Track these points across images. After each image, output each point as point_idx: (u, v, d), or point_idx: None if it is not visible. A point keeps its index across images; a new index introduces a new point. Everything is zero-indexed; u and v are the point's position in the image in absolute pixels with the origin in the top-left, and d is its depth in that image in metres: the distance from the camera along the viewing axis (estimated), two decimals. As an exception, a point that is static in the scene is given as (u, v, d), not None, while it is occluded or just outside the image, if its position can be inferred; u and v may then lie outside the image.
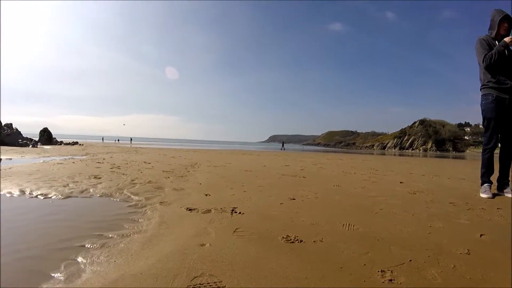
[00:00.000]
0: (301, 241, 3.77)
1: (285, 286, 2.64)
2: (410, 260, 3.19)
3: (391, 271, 2.88)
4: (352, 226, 4.44)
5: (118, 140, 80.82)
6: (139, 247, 3.58)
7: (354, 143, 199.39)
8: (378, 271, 2.87)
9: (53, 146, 36.22)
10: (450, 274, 2.94)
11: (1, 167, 10.65)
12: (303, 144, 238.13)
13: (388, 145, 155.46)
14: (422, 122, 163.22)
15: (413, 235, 4.12)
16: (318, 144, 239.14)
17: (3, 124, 39.28)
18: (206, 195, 6.77)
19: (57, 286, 2.64)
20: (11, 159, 16.35)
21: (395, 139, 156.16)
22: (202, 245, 3.59)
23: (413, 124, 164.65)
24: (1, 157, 16.40)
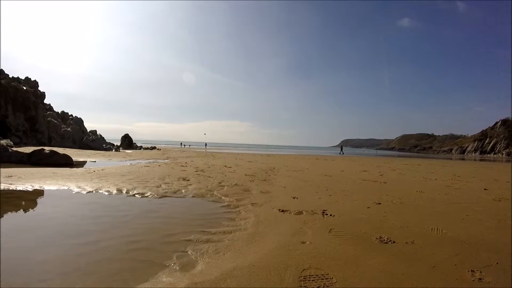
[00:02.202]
0: (394, 242, 4.10)
1: (385, 280, 2.94)
2: (497, 263, 3.46)
3: (480, 271, 3.18)
4: (440, 230, 4.70)
5: (184, 146, 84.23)
6: (244, 243, 3.95)
7: (430, 147, 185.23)
8: (468, 271, 3.19)
9: (134, 150, 39.42)
10: (534, 276, 3.21)
11: (93, 169, 11.90)
12: (377, 149, 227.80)
13: (468, 148, 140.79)
14: (505, 122, 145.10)
15: (499, 240, 4.32)
16: (392, 149, 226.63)
17: (88, 131, 43.46)
18: (293, 198, 7.11)
19: (175, 274, 3.03)
20: (95, 161, 18.37)
21: (475, 142, 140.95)
22: (303, 242, 3.94)
23: (494, 124, 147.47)
24: (88, 159, 18.31)
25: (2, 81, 34.13)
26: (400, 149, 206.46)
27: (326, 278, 2.89)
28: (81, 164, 15.94)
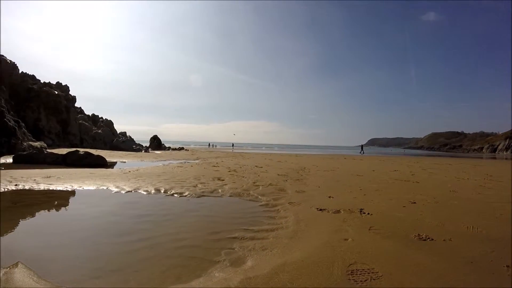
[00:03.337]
0: (432, 239, 4.27)
1: (426, 274, 3.12)
2: (531, 258, 3.66)
3: (515, 267, 3.40)
4: (476, 228, 4.84)
5: (212, 146, 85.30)
6: (288, 240, 4.16)
7: (460, 146, 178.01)
8: (504, 266, 3.37)
9: (162, 151, 40.39)
10: None
11: (129, 169, 12.36)
12: (404, 148, 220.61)
13: (499, 147, 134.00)
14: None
15: (533, 238, 4.50)
16: (421, 147, 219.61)
17: (118, 132, 44.74)
18: (329, 197, 7.27)
19: (226, 269, 3.25)
20: (125, 162, 19.14)
21: (507, 140, 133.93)
22: (345, 239, 4.13)
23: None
24: (120, 160, 18.94)
25: (34, 86, 35.55)
26: (429, 148, 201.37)
27: (372, 272, 3.08)
28: (114, 165, 16.61)
